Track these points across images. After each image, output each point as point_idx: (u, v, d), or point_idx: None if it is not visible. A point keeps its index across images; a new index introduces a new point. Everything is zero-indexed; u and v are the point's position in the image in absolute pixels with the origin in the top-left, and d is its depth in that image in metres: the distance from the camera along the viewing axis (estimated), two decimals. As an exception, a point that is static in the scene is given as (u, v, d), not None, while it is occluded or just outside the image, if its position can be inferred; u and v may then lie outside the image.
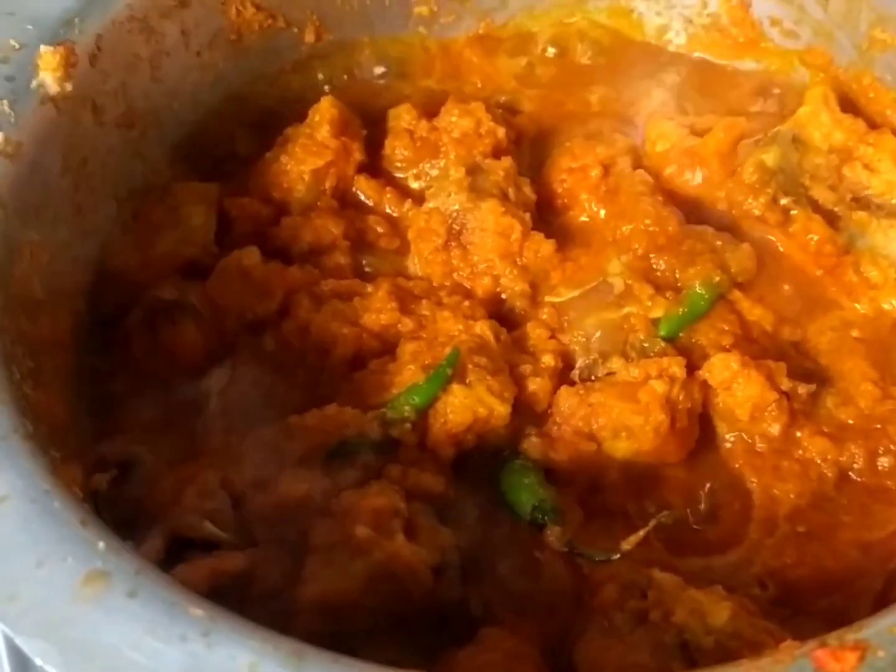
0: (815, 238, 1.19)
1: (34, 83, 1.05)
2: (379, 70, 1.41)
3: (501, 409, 1.04)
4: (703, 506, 1.05)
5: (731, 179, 1.23)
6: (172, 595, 0.72)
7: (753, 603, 0.94)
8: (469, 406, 1.03)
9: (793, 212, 1.20)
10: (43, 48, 1.06)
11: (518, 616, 0.96)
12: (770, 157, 1.20)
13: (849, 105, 1.29)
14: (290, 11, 1.34)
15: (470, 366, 1.06)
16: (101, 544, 0.74)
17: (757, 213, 1.21)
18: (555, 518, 1.00)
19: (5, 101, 1.03)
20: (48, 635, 0.70)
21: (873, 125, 1.26)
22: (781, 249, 1.22)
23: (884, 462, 1.06)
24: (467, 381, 1.05)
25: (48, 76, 1.06)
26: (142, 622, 0.70)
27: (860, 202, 1.21)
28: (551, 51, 1.44)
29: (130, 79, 1.18)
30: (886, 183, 1.20)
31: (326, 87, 1.36)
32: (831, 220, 1.21)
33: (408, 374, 1.06)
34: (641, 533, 0.98)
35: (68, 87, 1.07)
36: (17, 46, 1.06)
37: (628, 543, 0.98)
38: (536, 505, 1.00)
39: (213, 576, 0.88)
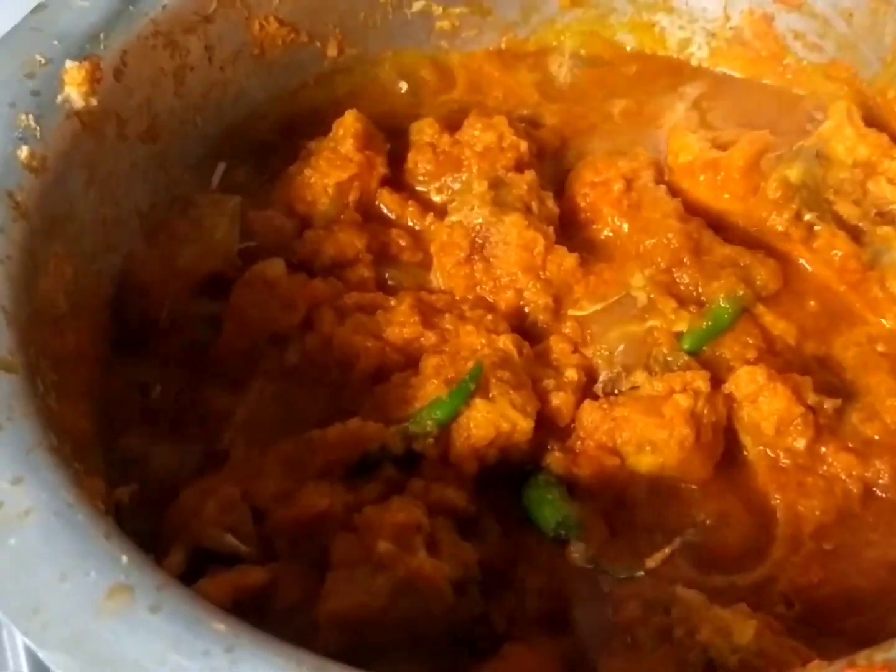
0: (839, 254, 1.18)
1: (60, 98, 1.06)
2: (401, 84, 1.41)
3: (524, 424, 1.03)
4: (727, 522, 1.04)
5: (755, 195, 1.22)
6: (195, 610, 0.72)
7: (779, 621, 0.93)
8: (492, 421, 1.02)
9: (817, 227, 1.19)
10: (69, 63, 1.07)
11: (541, 632, 0.95)
12: (794, 173, 1.19)
13: (873, 119, 1.27)
14: (313, 26, 1.34)
15: (493, 380, 1.05)
16: (125, 558, 0.74)
17: (780, 228, 1.20)
18: (578, 534, 0.99)
19: (31, 116, 1.03)
20: (71, 649, 0.70)
21: (898, 140, 1.25)
22: (805, 265, 1.21)
23: (910, 478, 1.05)
24: (490, 395, 1.04)
25: (73, 91, 1.06)
26: (165, 637, 0.70)
27: (885, 217, 1.19)
28: (574, 64, 1.43)
29: (154, 94, 1.19)
30: (910, 198, 1.19)
31: (349, 102, 1.35)
32: (856, 235, 1.19)
33: (430, 389, 1.05)
34: (667, 550, 0.98)
35: (93, 101, 1.08)
36: (44, 62, 1.07)
37: (653, 560, 0.98)
38: (560, 521, 1.00)
39: (236, 590, 0.87)
